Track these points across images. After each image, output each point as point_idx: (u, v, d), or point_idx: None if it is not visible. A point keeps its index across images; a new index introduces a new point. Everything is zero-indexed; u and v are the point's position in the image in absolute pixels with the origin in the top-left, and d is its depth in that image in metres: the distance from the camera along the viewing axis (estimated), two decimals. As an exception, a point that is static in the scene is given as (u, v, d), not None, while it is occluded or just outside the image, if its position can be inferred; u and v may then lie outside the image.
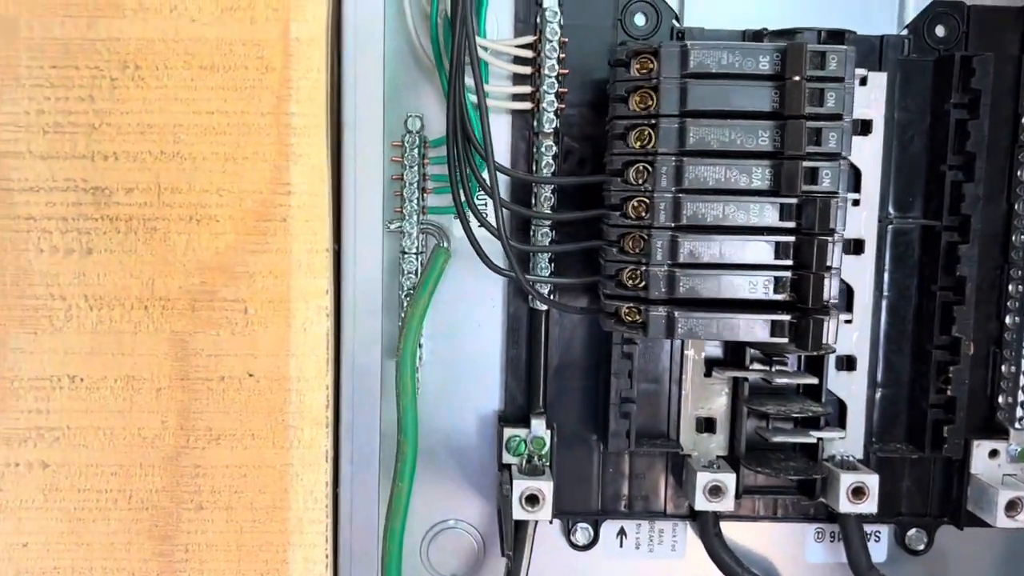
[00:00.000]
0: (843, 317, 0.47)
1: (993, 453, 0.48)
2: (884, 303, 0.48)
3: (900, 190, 0.48)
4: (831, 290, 0.38)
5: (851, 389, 0.48)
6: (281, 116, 0.36)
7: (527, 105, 0.46)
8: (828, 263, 0.38)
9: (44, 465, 0.38)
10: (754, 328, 0.38)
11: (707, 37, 0.46)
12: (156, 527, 0.38)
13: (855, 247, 0.47)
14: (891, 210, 0.48)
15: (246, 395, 0.37)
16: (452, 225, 0.47)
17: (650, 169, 0.39)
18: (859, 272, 0.47)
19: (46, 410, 0.37)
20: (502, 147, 0.47)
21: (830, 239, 0.38)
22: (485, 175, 0.42)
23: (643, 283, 0.39)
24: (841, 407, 0.48)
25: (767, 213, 0.38)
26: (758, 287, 0.38)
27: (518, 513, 0.45)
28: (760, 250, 0.38)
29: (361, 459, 0.39)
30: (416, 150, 0.45)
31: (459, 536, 0.49)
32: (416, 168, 0.45)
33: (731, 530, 0.50)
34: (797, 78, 0.36)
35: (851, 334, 0.47)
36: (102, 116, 0.36)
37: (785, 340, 0.38)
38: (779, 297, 0.38)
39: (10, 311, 0.37)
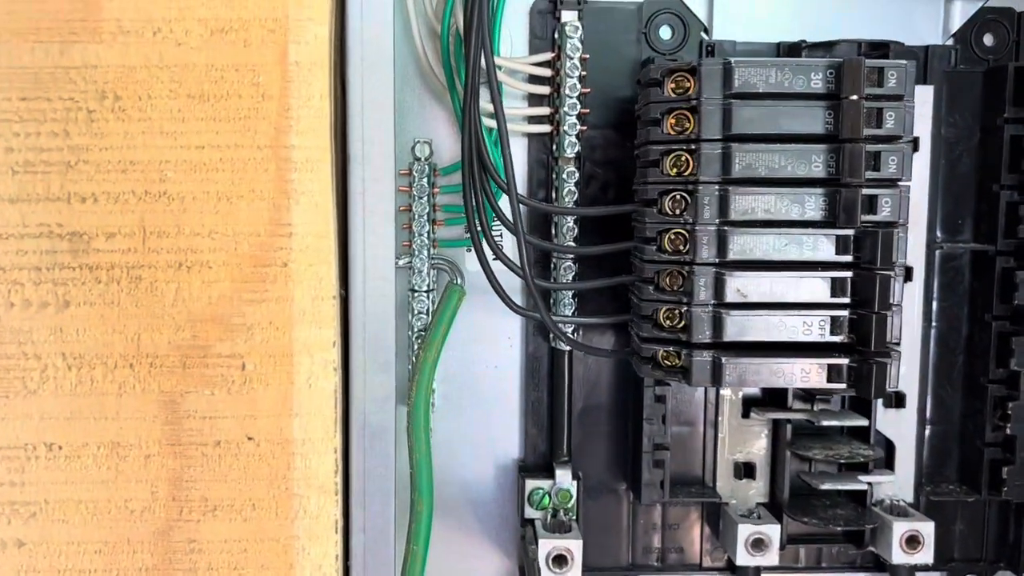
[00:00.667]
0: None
1: (1054, 494, 0.44)
2: (933, 334, 0.45)
3: (948, 212, 0.44)
4: (894, 329, 0.34)
5: (900, 428, 0.44)
6: (280, 149, 0.32)
7: (545, 128, 0.42)
8: (891, 300, 0.34)
9: (19, 544, 0.33)
10: (810, 374, 0.35)
11: (740, 51, 0.42)
12: (147, 610, 0.34)
13: (905, 274, 0.43)
14: (939, 233, 0.44)
15: (245, 460, 0.33)
16: (464, 259, 0.43)
17: (688, 199, 0.35)
18: (907, 301, 0.43)
19: (20, 482, 0.33)
20: (519, 173, 0.43)
21: (892, 273, 0.34)
22: (504, 205, 0.38)
23: (683, 324, 0.36)
24: (889, 447, 0.44)
25: (822, 246, 0.34)
26: (813, 328, 0.35)
27: (544, 574, 0.41)
28: (815, 287, 0.34)
29: (374, 529, 0.35)
30: (426, 179, 0.41)
31: (482, 598, 0.45)
32: (426, 199, 0.41)
33: (774, 581, 0.46)
34: (855, 97, 0.33)
35: (900, 368, 0.44)
36: (78, 153, 0.32)
37: (843, 386, 0.35)
38: (837, 339, 0.35)
39: (-22, 373, 0.33)
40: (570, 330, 0.42)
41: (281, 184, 0.33)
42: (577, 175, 0.41)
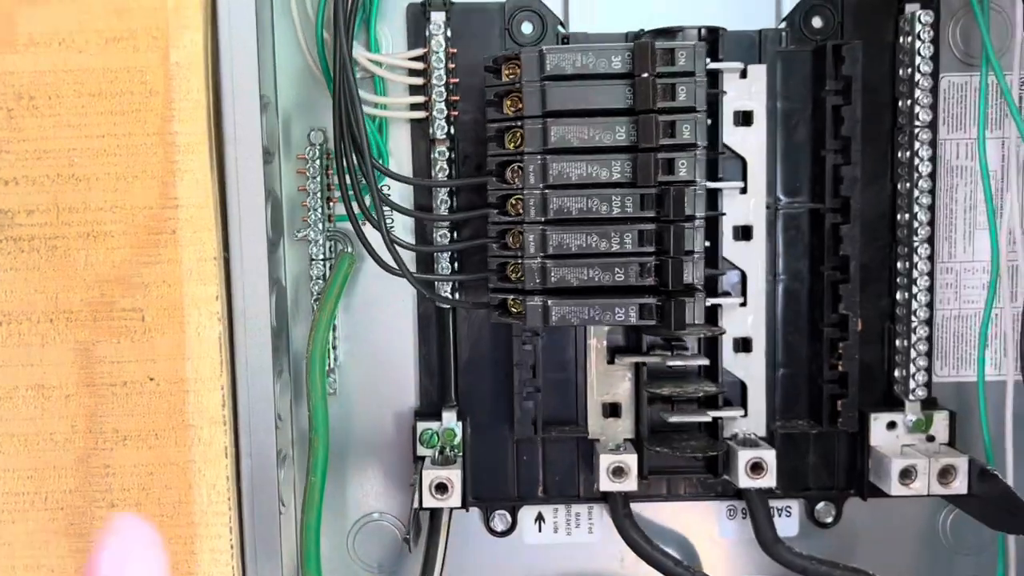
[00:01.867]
0: (736, 301, 0.49)
1: (891, 425, 0.50)
2: (780, 286, 0.50)
3: (788, 176, 0.50)
4: (694, 273, 0.40)
5: (749, 370, 0.50)
6: (166, 136, 0.39)
7: (422, 114, 0.48)
8: (687, 248, 0.40)
9: (-36, 472, 0.40)
10: (623, 312, 0.40)
11: (591, 40, 0.48)
12: (72, 525, 0.40)
13: (744, 233, 0.49)
14: (780, 196, 0.50)
15: (148, 398, 0.40)
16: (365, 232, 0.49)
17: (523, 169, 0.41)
18: (750, 257, 0.49)
19: (-37, 420, 0.40)
20: (404, 155, 0.49)
21: (687, 225, 0.40)
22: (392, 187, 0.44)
23: (522, 275, 0.42)
24: (743, 388, 0.50)
25: (628, 204, 0.40)
26: (624, 274, 0.40)
27: (428, 501, 0.47)
28: (625, 239, 0.40)
29: (260, 455, 0.41)
30: (318, 162, 0.48)
31: (383, 528, 0.52)
32: (319, 179, 0.48)
33: (645, 510, 0.52)
34: (645, 75, 0.39)
35: (746, 317, 0.49)
36: (2, 144, 0.39)
37: (653, 322, 0.40)
38: (645, 282, 0.40)
39: (-74, 329, 0.39)
40: (448, 288, 0.48)
41: (168, 165, 0.39)
42: (448, 155, 0.47)
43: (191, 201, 0.39)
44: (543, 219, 0.41)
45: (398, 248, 0.45)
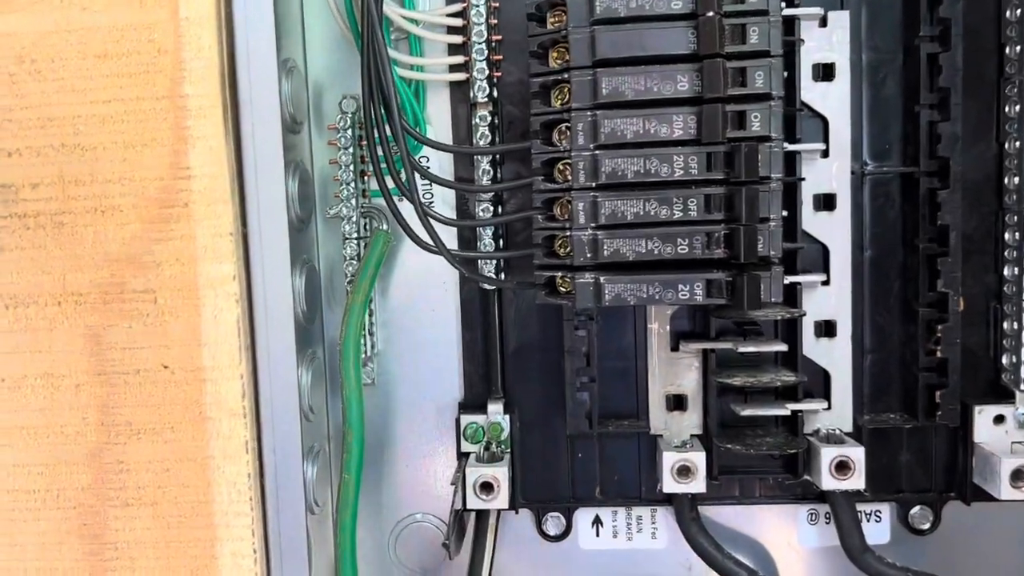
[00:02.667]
0: (818, 279, 0.43)
1: (999, 419, 0.44)
2: (867, 261, 0.44)
3: (875, 137, 0.44)
4: (770, 243, 0.35)
5: (833, 356, 0.44)
6: (176, 99, 0.35)
7: (462, 76, 0.44)
8: (762, 214, 0.34)
9: (-27, 467, 0.37)
10: (688, 290, 0.35)
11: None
12: (85, 525, 0.37)
13: (826, 202, 0.43)
14: (867, 159, 0.44)
15: (162, 387, 0.37)
16: (402, 207, 0.45)
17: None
18: (833, 229, 0.43)
19: (-29, 412, 0.37)
20: (443, 123, 0.45)
21: (762, 187, 0.34)
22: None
23: (571, 249, 0.37)
24: (826, 378, 0.44)
25: (693, 164, 0.35)
26: (689, 245, 0.35)
27: (473, 501, 0.43)
28: (688, 205, 0.35)
29: (283, 450, 0.37)
30: (350, 131, 0.44)
31: (427, 531, 0.48)
32: (351, 150, 0.44)
33: (715, 514, 0.47)
34: (711, 14, 0.33)
35: (829, 297, 0.44)
36: (3, 113, 0.36)
37: (722, 300, 0.35)
38: (713, 255, 0.35)
39: (-69, 315, 0.37)
40: (491, 267, 0.44)
41: (179, 131, 0.36)
42: (490, 120, 0.43)
43: (205, 171, 0.36)
44: (594, 184, 0.36)
45: (436, 224, 0.41)
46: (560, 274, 0.37)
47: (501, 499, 0.43)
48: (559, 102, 0.37)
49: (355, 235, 0.44)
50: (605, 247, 0.36)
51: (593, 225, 0.36)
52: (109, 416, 0.37)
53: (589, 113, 0.35)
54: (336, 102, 0.44)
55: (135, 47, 0.35)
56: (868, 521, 0.46)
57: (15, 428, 0.37)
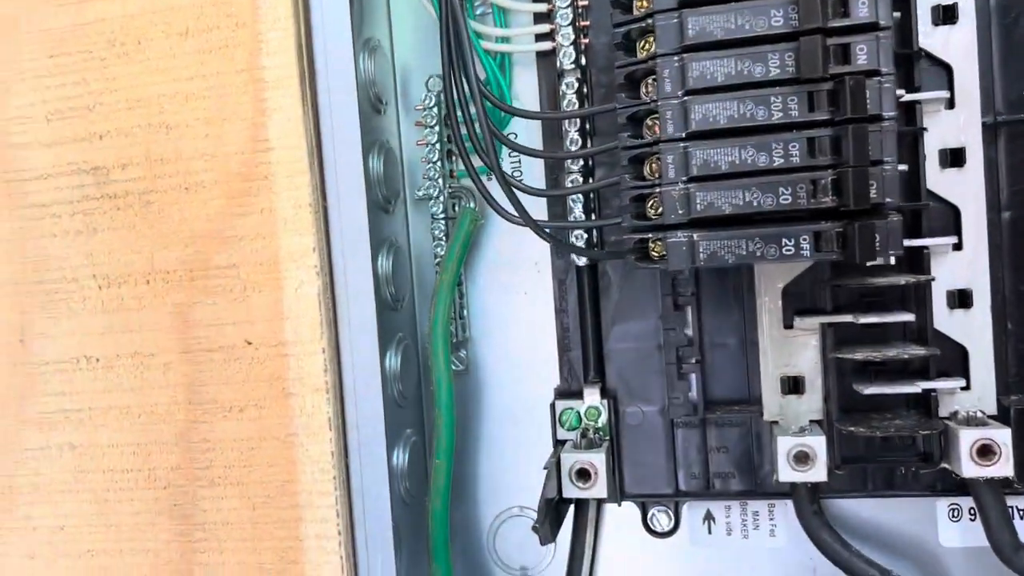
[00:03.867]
0: (948, 242, 0.39)
1: None
2: (1005, 223, 0.39)
3: (1010, 83, 0.39)
4: (884, 187, 0.31)
5: (969, 330, 0.39)
6: (255, 71, 0.35)
7: (549, 45, 0.42)
8: (873, 155, 0.31)
9: (72, 447, 0.38)
10: (793, 243, 0.32)
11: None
12: (176, 506, 0.37)
13: (953, 158, 0.39)
14: (1001, 108, 0.39)
15: (246, 364, 0.36)
16: (490, 187, 0.44)
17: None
18: (964, 188, 0.39)
19: (70, 392, 0.38)
20: (530, 96, 0.43)
21: (872, 126, 0.31)
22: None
23: (663, 208, 0.34)
24: (963, 354, 0.40)
25: (792, 105, 0.32)
26: (792, 195, 0.32)
27: (569, 490, 0.40)
28: (789, 150, 0.32)
29: (367, 426, 0.36)
30: (436, 109, 0.43)
31: (526, 525, 0.45)
32: (438, 129, 0.43)
33: (841, 508, 0.42)
34: (804, -64, 0.31)
35: (962, 263, 0.39)
36: (96, 97, 0.37)
37: (833, 255, 0.32)
38: (821, 204, 0.32)
39: (32, 297, 0.38)
40: (583, 239, 0.41)
41: (258, 104, 0.35)
42: (577, 87, 0.41)
43: (283, 142, 0.35)
44: (683, 134, 0.33)
45: (523, 197, 0.39)
46: (652, 236, 0.35)
47: (599, 488, 0.40)
48: (644, 50, 0.35)
49: (443, 216, 0.43)
50: (698, 201, 0.33)
51: (684, 178, 0.33)
52: (196, 395, 0.37)
53: (676, 58, 0.33)
54: (423, 83, 0.44)
55: (215, 22, 0.36)
56: (1020, 518, 0.41)
57: (109, 408, 0.38)
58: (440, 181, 0.43)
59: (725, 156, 0.32)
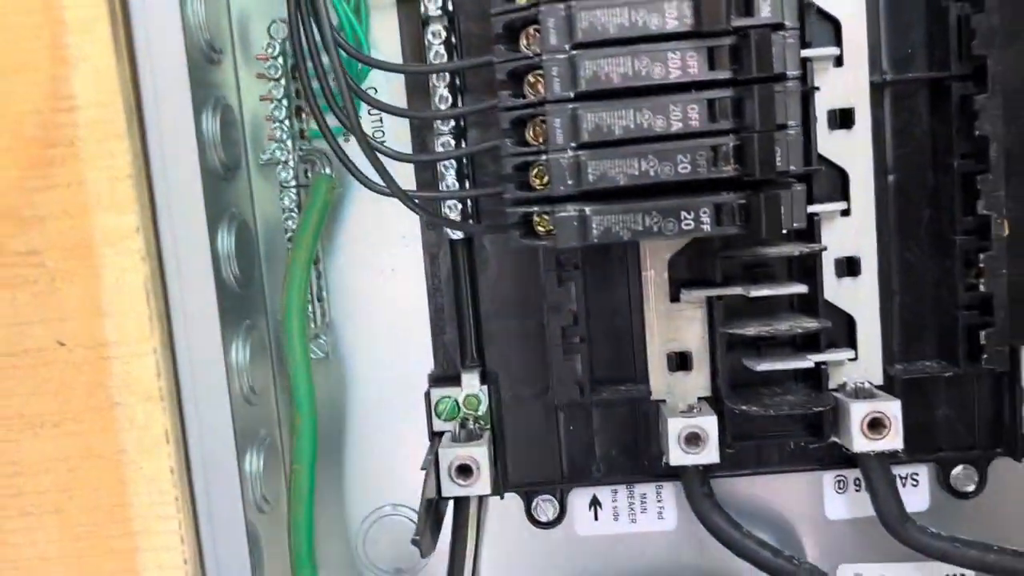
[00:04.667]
0: (837, 207, 0.37)
1: (1051, 359, 0.38)
2: (891, 186, 0.38)
3: (897, 41, 0.38)
4: (789, 155, 0.29)
5: (857, 298, 0.38)
6: (52, 11, 0.29)
7: (412, -14, 0.37)
8: (778, 119, 0.28)
9: None
10: (693, 217, 0.29)
11: None
12: (-24, 543, 0.31)
13: (842, 119, 0.37)
14: (887, 68, 0.38)
15: (60, 370, 0.30)
16: (348, 148, 0.39)
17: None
18: (851, 150, 0.37)
19: None
20: (390, 46, 0.38)
21: (778, 86, 0.28)
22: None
23: (550, 178, 0.30)
24: (850, 323, 0.38)
25: (691, 61, 0.29)
26: (692, 163, 0.29)
27: (449, 488, 0.36)
28: (688, 112, 0.29)
29: (212, 437, 0.31)
30: (281, 60, 0.37)
31: (400, 524, 0.41)
32: (284, 82, 0.37)
33: (730, 487, 0.41)
34: None
35: (850, 229, 0.37)
36: None
37: (735, 228, 0.29)
38: (722, 173, 0.29)
39: None
40: (456, 214, 0.37)
41: (57, 52, 0.29)
42: (445, 35, 0.36)
43: (92, 99, 0.29)
44: (572, 94, 0.29)
45: (387, 161, 0.34)
46: (537, 209, 0.31)
47: (482, 484, 0.36)
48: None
49: (293, 183, 0.38)
50: (590, 170, 0.29)
51: (574, 144, 0.29)
52: (-3, 408, 0.30)
53: (561, 5, 0.29)
54: (265, 28, 0.38)
55: (-6, -51, 0.29)
56: (904, 486, 0.40)
57: None
58: (289, 143, 0.38)
59: (619, 120, 0.29)
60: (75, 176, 0.29)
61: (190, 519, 0.31)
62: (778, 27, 0.28)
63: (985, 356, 0.37)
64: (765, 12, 0.28)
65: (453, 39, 0.36)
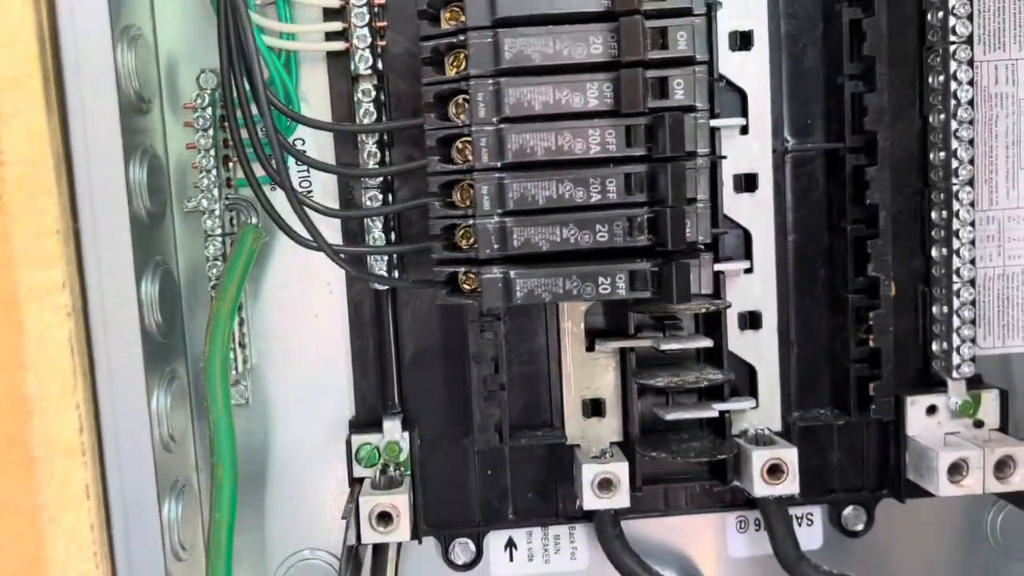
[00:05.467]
0: (740, 266, 0.40)
1: (931, 410, 0.41)
2: (790, 246, 0.41)
3: (796, 112, 0.41)
4: (698, 227, 0.31)
5: (760, 351, 0.41)
6: (-21, 67, 0.28)
7: (341, 45, 0.38)
8: (689, 194, 0.30)
9: None
10: (609, 282, 0.31)
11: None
12: None
13: (747, 183, 0.40)
14: (788, 136, 0.40)
15: (-23, 425, 0.30)
16: (275, 198, 0.39)
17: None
18: (755, 212, 0.40)
19: None
20: (320, 101, 0.39)
21: (689, 164, 0.30)
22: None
23: (476, 240, 0.32)
24: (751, 374, 0.41)
25: (610, 139, 0.30)
26: (610, 232, 0.31)
27: (369, 535, 0.37)
28: (607, 186, 0.31)
29: (134, 491, 0.31)
30: (210, 110, 0.37)
31: (318, 568, 0.42)
32: (212, 132, 0.38)
33: (639, 528, 0.43)
34: (626, -35, 0.29)
35: (752, 286, 0.40)
36: None
37: (648, 293, 0.31)
38: (636, 242, 0.31)
39: None
40: (383, 264, 0.38)
41: (-16, 106, 0.29)
42: (375, 95, 0.37)
43: (21, 155, 0.29)
44: (499, 164, 0.31)
45: (314, 215, 0.35)
46: (463, 269, 0.32)
47: (402, 530, 0.37)
48: (455, 68, 0.32)
49: (219, 231, 0.38)
50: (515, 236, 0.31)
51: (500, 211, 0.31)
52: (-93, 464, 0.30)
53: (491, 81, 0.30)
54: (193, 77, 0.38)
55: (-79, 1, 0.28)
56: (800, 525, 0.43)
57: None
58: (215, 191, 0.38)
59: (543, 190, 0.31)
60: (2, 231, 0.29)
61: (108, 574, 0.31)
62: (690, 109, 0.30)
63: (873, 406, 0.40)
64: (679, 95, 0.30)
65: (382, 96, 0.38)
